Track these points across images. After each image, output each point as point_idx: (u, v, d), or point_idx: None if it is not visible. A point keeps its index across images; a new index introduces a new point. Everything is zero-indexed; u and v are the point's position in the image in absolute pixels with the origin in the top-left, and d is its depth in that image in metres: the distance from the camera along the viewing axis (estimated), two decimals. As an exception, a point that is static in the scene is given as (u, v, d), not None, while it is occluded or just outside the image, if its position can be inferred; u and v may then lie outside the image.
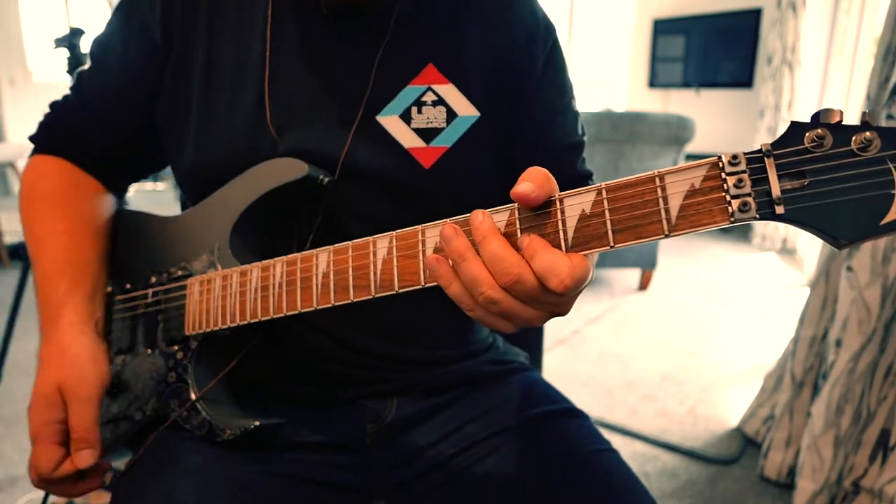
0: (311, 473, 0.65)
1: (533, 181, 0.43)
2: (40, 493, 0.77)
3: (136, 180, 0.80)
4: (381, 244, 0.50)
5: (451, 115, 0.66)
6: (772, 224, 4.30)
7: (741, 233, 4.70)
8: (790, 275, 3.63)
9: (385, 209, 0.66)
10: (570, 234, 0.44)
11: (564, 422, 0.69)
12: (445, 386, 0.73)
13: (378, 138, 0.65)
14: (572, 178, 0.72)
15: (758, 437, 1.78)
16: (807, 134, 0.38)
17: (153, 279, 0.68)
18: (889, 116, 1.21)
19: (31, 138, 0.75)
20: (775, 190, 0.38)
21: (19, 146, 3.39)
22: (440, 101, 0.66)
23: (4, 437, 1.84)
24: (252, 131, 0.64)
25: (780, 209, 0.38)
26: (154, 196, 5.99)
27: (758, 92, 4.71)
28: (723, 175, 0.40)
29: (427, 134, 0.66)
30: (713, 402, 2.07)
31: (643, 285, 3.25)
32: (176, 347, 0.65)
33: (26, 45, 4.85)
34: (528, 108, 0.70)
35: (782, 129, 4.10)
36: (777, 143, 0.39)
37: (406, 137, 0.65)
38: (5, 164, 3.49)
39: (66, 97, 0.74)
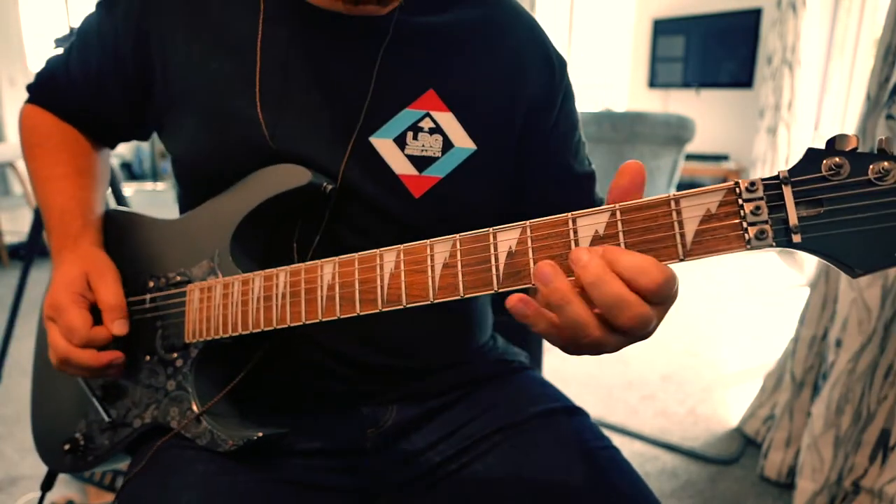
0: (313, 479, 0.65)
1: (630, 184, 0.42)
2: (40, 494, 0.78)
3: (127, 140, 0.81)
4: (388, 258, 0.49)
5: (448, 145, 0.65)
6: (772, 224, 4.30)
7: (741, 233, 4.70)
8: (790, 275, 3.63)
9: (379, 228, 0.65)
10: None
11: (565, 419, 0.69)
12: (445, 389, 0.72)
13: (369, 160, 0.63)
14: (593, 205, 0.73)
15: (758, 437, 1.78)
16: (824, 161, 0.38)
17: (150, 284, 0.67)
18: (889, 116, 1.21)
19: (28, 87, 0.78)
20: (792, 218, 0.38)
21: (19, 146, 3.38)
22: (437, 130, 0.64)
23: (4, 437, 1.84)
24: (247, 139, 0.63)
25: (796, 238, 0.38)
26: (154, 196, 5.99)
27: (758, 92, 4.70)
28: (739, 201, 0.39)
29: (420, 162, 0.64)
30: (713, 402, 2.07)
31: (643, 285, 3.24)
32: (175, 355, 0.64)
33: (26, 45, 4.85)
34: (545, 143, 0.70)
35: (782, 129, 4.08)
36: (794, 171, 0.38)
37: (398, 163, 0.63)
38: (5, 164, 3.49)
39: (60, 59, 0.75)
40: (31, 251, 1.84)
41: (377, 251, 0.50)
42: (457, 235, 0.47)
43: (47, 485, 0.77)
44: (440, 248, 0.47)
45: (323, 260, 0.53)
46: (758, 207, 0.39)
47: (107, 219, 0.74)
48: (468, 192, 0.66)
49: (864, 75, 3.38)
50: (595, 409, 2.00)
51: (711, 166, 4.82)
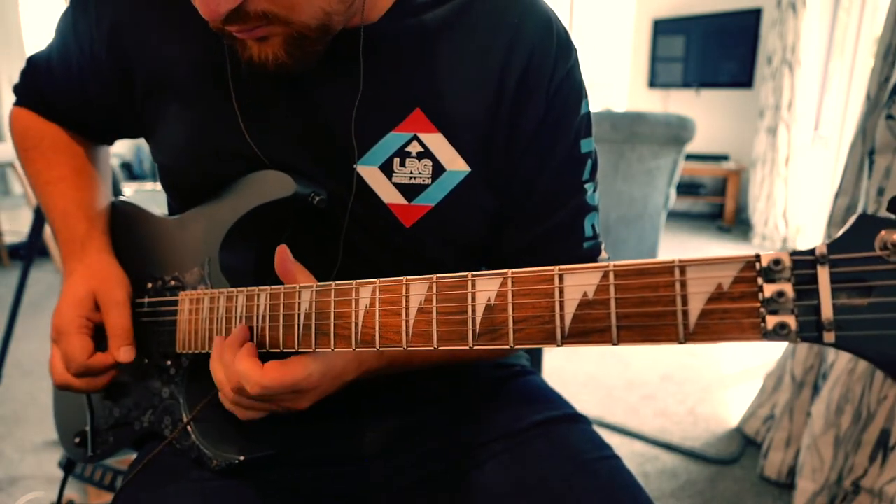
0: (311, 485, 0.64)
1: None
2: (40, 494, 0.79)
3: (121, 137, 0.78)
4: (364, 292, 0.46)
5: (439, 169, 0.59)
6: (772, 223, 4.30)
7: (741, 232, 4.70)
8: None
9: (373, 251, 0.62)
10: (568, 321, 0.37)
11: (565, 427, 0.68)
12: (445, 395, 0.71)
13: (357, 189, 0.59)
14: (578, 257, 0.66)
15: (758, 437, 1.78)
16: (881, 234, 0.28)
17: (149, 285, 0.67)
18: (889, 116, 1.21)
19: (14, 89, 0.75)
20: (826, 311, 0.29)
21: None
22: (426, 154, 0.59)
23: (4, 437, 1.84)
24: (236, 155, 0.60)
25: (829, 336, 0.29)
26: (154, 196, 5.99)
27: (758, 92, 4.71)
28: (759, 281, 0.31)
29: (409, 190, 0.59)
30: (713, 402, 2.07)
31: (643, 285, 3.23)
32: (169, 362, 0.64)
33: (26, 45, 4.85)
34: (518, 149, 0.61)
35: (782, 129, 4.06)
36: (836, 245, 0.29)
37: (386, 192, 0.59)
38: (5, 164, 3.49)
39: (41, 57, 0.72)
40: (31, 251, 1.84)
41: (353, 283, 0.47)
42: (434, 277, 0.43)
43: (69, 469, 0.81)
44: (416, 290, 0.44)
45: (301, 285, 0.51)
46: (781, 293, 0.30)
47: (113, 210, 0.74)
48: (464, 218, 0.61)
49: (864, 75, 3.38)
50: (595, 409, 2.00)
51: (711, 166, 4.82)
